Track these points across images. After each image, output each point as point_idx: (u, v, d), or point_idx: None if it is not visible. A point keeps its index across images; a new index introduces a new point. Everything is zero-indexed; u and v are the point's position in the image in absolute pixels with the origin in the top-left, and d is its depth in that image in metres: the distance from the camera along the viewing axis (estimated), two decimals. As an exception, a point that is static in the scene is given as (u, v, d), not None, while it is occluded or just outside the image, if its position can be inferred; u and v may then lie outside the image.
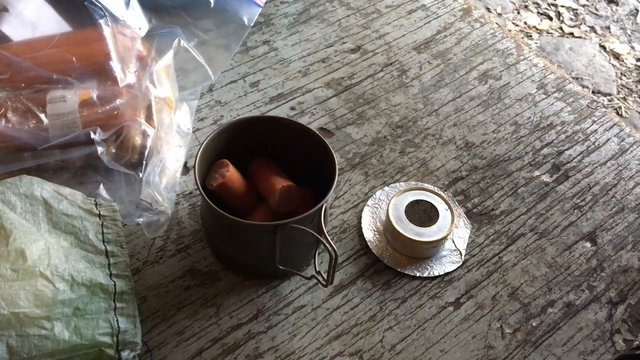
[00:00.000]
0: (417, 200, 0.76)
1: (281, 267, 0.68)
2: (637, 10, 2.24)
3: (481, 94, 0.95)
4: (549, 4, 2.21)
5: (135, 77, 0.78)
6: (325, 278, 0.66)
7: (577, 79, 1.95)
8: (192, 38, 0.88)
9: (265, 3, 0.96)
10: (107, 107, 0.74)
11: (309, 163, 0.72)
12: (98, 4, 0.79)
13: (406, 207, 0.75)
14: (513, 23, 2.12)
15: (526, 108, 0.94)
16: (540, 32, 2.10)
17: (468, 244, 0.77)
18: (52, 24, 0.83)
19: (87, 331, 0.58)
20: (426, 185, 0.81)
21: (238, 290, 0.71)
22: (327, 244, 0.63)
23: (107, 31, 0.79)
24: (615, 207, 0.83)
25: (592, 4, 2.23)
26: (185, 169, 0.81)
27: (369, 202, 0.80)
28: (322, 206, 0.64)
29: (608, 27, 2.15)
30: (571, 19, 2.16)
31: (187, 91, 0.85)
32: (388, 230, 0.75)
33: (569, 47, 2.05)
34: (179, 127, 0.81)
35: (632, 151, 0.90)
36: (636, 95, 1.94)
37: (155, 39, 0.84)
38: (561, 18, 2.16)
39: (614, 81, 1.97)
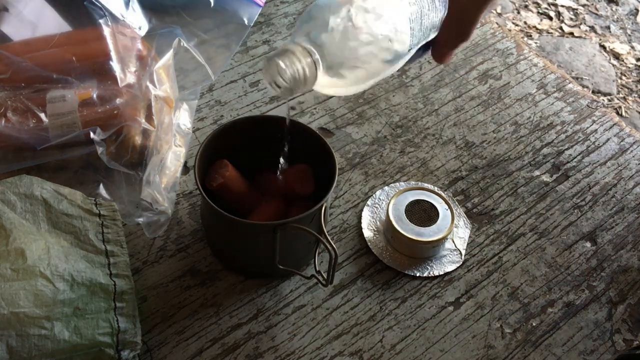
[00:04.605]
0: (417, 200, 0.76)
1: (281, 267, 0.68)
2: (637, 10, 2.24)
3: (481, 93, 0.95)
4: (549, 4, 2.21)
5: (135, 76, 0.78)
6: (325, 278, 0.66)
7: (577, 78, 1.95)
8: (192, 38, 0.88)
9: (265, 3, 0.96)
10: (107, 106, 0.74)
11: (309, 163, 0.72)
12: (98, 4, 0.79)
13: (406, 207, 0.75)
14: (513, 23, 2.12)
15: (526, 108, 0.94)
16: (540, 31, 2.10)
17: (468, 243, 0.77)
18: (52, 24, 0.83)
19: (87, 331, 0.58)
20: (426, 185, 0.81)
21: (238, 290, 0.71)
22: (327, 244, 0.63)
23: (107, 31, 0.79)
24: (615, 207, 0.83)
25: (592, 4, 2.23)
26: (185, 169, 0.81)
27: (369, 202, 0.80)
28: (322, 206, 0.64)
29: (608, 27, 2.15)
30: (571, 19, 2.16)
31: (187, 91, 0.85)
32: (388, 230, 0.75)
33: (569, 46, 2.05)
34: (179, 127, 0.81)
35: (632, 151, 0.90)
36: (636, 95, 1.94)
37: (155, 39, 0.84)
38: (561, 18, 2.16)
39: (614, 81, 1.97)
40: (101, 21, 0.79)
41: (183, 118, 0.83)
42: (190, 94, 0.86)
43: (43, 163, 0.74)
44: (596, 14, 2.19)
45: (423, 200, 0.76)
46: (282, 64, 0.50)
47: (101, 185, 0.75)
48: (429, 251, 0.75)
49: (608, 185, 0.85)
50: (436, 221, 0.74)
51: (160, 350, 0.66)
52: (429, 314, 0.71)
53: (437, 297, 0.72)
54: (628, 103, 1.91)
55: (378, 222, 0.78)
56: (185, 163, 0.81)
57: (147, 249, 0.74)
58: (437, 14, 0.55)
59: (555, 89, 0.97)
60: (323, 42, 0.51)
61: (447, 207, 0.76)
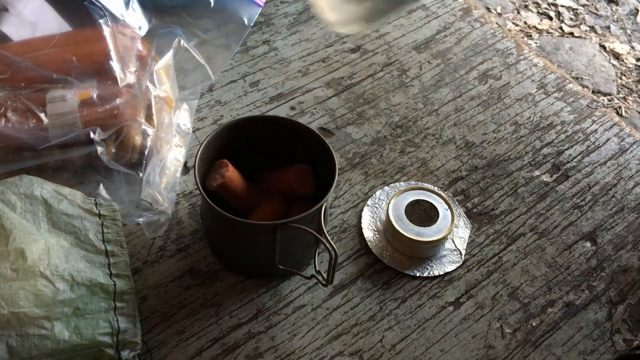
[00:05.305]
0: (417, 200, 0.76)
1: (281, 267, 0.68)
2: (637, 10, 2.23)
3: (481, 93, 0.95)
4: (549, 4, 2.20)
5: (135, 76, 0.78)
6: (325, 278, 0.66)
7: (577, 78, 1.95)
8: (192, 38, 0.88)
9: (265, 3, 0.96)
10: (107, 106, 0.74)
11: (309, 163, 0.72)
12: (98, 4, 0.79)
13: (406, 207, 0.75)
14: (513, 23, 2.12)
15: (526, 108, 0.94)
16: (540, 31, 2.10)
17: (468, 243, 0.77)
18: (52, 24, 0.83)
19: (87, 331, 0.58)
20: (426, 185, 0.81)
21: (238, 290, 0.71)
22: (327, 244, 0.63)
23: (107, 31, 0.79)
24: (615, 207, 0.83)
25: (592, 4, 2.23)
26: (185, 169, 0.81)
27: (369, 202, 0.80)
28: (322, 206, 0.64)
29: (608, 27, 2.15)
30: (571, 19, 2.16)
31: (187, 91, 0.85)
32: (388, 230, 0.75)
33: (569, 46, 2.05)
34: (179, 127, 0.81)
35: (632, 151, 0.90)
36: (636, 95, 1.94)
37: (155, 39, 0.84)
38: (561, 18, 2.16)
39: (614, 81, 1.97)
40: (101, 21, 0.79)
41: (183, 118, 0.83)
42: (190, 94, 0.86)
43: (43, 163, 0.74)
44: (596, 14, 2.19)
45: (423, 200, 0.76)
46: None
47: (101, 185, 0.75)
48: (429, 251, 0.75)
49: (608, 185, 0.85)
50: (436, 221, 0.74)
51: (160, 350, 0.66)
52: (429, 314, 0.71)
53: (437, 297, 0.72)
54: (628, 103, 1.91)
55: (378, 222, 0.78)
56: (185, 163, 0.81)
57: (147, 249, 0.74)
58: None
59: (555, 89, 0.97)
60: None
61: (447, 207, 0.76)
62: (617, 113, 1.87)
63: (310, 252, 0.71)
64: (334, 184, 0.66)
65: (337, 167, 0.67)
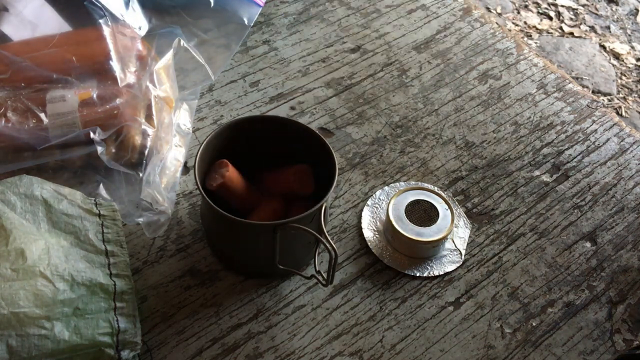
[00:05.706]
0: (417, 200, 0.76)
1: (281, 267, 0.68)
2: (637, 10, 2.23)
3: (481, 93, 0.95)
4: (549, 4, 2.20)
5: (135, 76, 0.78)
6: (325, 278, 0.66)
7: (577, 78, 1.95)
8: (192, 38, 0.88)
9: (265, 3, 0.96)
10: (107, 106, 0.74)
11: (309, 163, 0.72)
12: (98, 4, 0.79)
13: (406, 207, 0.75)
14: (513, 23, 2.12)
15: (526, 108, 0.94)
16: (540, 31, 2.10)
17: (468, 243, 0.77)
18: (52, 24, 0.83)
19: (87, 331, 0.58)
20: (426, 185, 0.81)
21: (238, 290, 0.71)
22: (327, 244, 0.63)
23: (107, 31, 0.79)
24: (615, 207, 0.83)
25: (592, 4, 2.23)
26: (185, 169, 0.81)
27: (369, 202, 0.80)
28: (322, 206, 0.64)
29: (608, 27, 2.15)
30: (571, 19, 2.16)
31: (187, 91, 0.85)
32: (388, 230, 0.75)
33: (569, 46, 2.05)
34: (179, 127, 0.81)
35: (632, 151, 0.90)
36: (636, 95, 1.94)
37: (155, 39, 0.84)
38: (561, 18, 2.16)
39: (614, 81, 1.97)
40: (101, 21, 0.79)
41: (183, 118, 0.83)
42: (190, 94, 0.86)
43: (43, 163, 0.74)
44: (596, 14, 2.19)
45: (423, 200, 0.76)
46: None
47: (101, 185, 0.75)
48: (429, 251, 0.75)
49: (608, 185, 0.85)
50: (436, 221, 0.74)
51: (160, 350, 0.66)
52: (429, 314, 0.71)
53: (437, 297, 0.72)
54: (628, 103, 1.91)
55: (378, 222, 0.78)
56: (185, 163, 0.81)
57: (147, 249, 0.74)
58: None
59: (555, 89, 0.97)
60: None
61: (447, 207, 0.76)
62: (617, 113, 1.87)
63: (310, 252, 0.71)
64: (334, 184, 0.66)
65: (337, 167, 0.67)
